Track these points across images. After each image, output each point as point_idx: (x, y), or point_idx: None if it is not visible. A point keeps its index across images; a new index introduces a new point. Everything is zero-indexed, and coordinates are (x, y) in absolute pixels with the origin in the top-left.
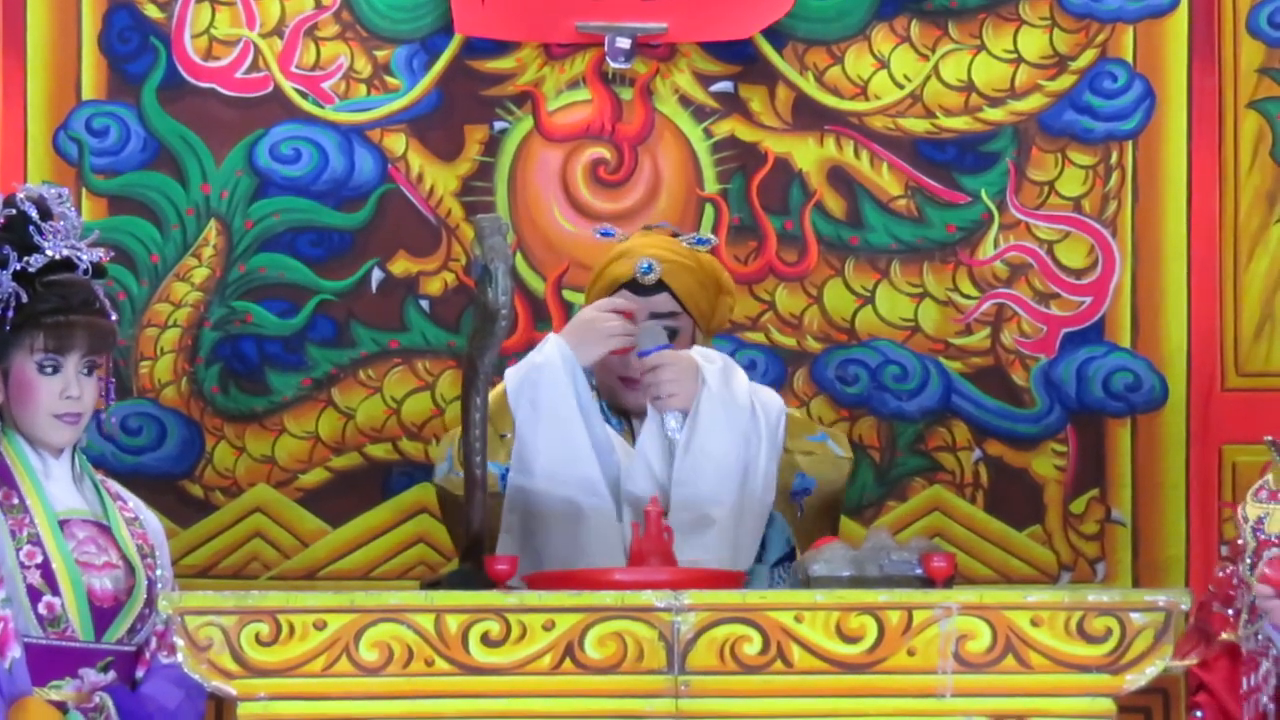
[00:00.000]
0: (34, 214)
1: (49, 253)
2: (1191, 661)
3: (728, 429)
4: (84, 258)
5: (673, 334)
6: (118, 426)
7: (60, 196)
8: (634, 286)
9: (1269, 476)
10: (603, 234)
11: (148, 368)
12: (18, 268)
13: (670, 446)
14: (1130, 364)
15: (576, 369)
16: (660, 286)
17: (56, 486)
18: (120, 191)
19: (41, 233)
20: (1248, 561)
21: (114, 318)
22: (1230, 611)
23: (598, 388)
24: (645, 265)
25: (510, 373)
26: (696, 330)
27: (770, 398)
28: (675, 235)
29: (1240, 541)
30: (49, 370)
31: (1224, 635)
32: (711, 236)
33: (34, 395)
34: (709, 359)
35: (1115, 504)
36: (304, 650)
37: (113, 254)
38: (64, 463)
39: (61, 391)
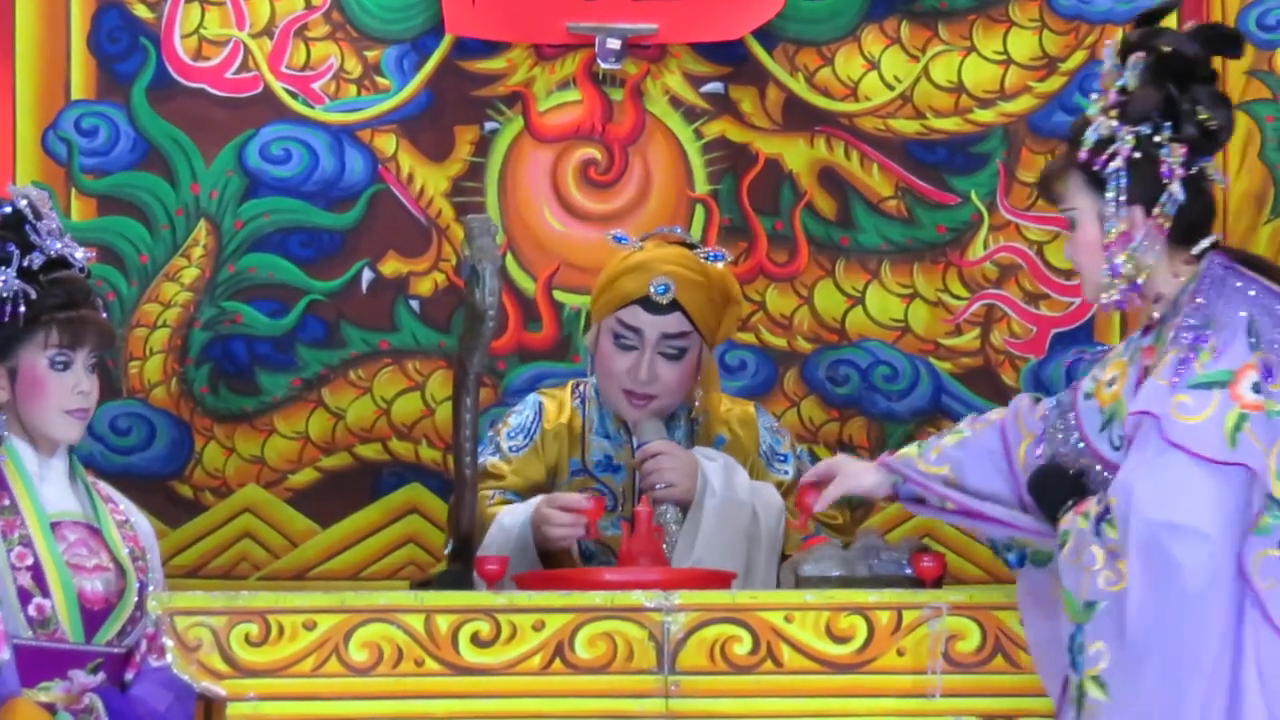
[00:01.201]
0: (29, 213)
1: (49, 251)
2: None
3: (730, 527)
4: (78, 256)
5: (681, 352)
6: (107, 427)
7: (44, 197)
8: (646, 304)
9: None
10: (617, 239)
11: (137, 368)
12: (23, 264)
13: (667, 537)
14: None
15: (528, 545)
16: (673, 305)
17: (50, 488)
18: (110, 192)
19: (37, 231)
20: None
21: (104, 317)
22: None
23: (601, 398)
24: (661, 286)
25: (497, 515)
26: (703, 345)
27: (771, 498)
28: (688, 245)
29: None
30: (60, 366)
31: None
32: (725, 252)
33: (46, 392)
34: (709, 456)
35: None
36: (294, 651)
37: (94, 254)
38: (59, 464)
39: (73, 387)
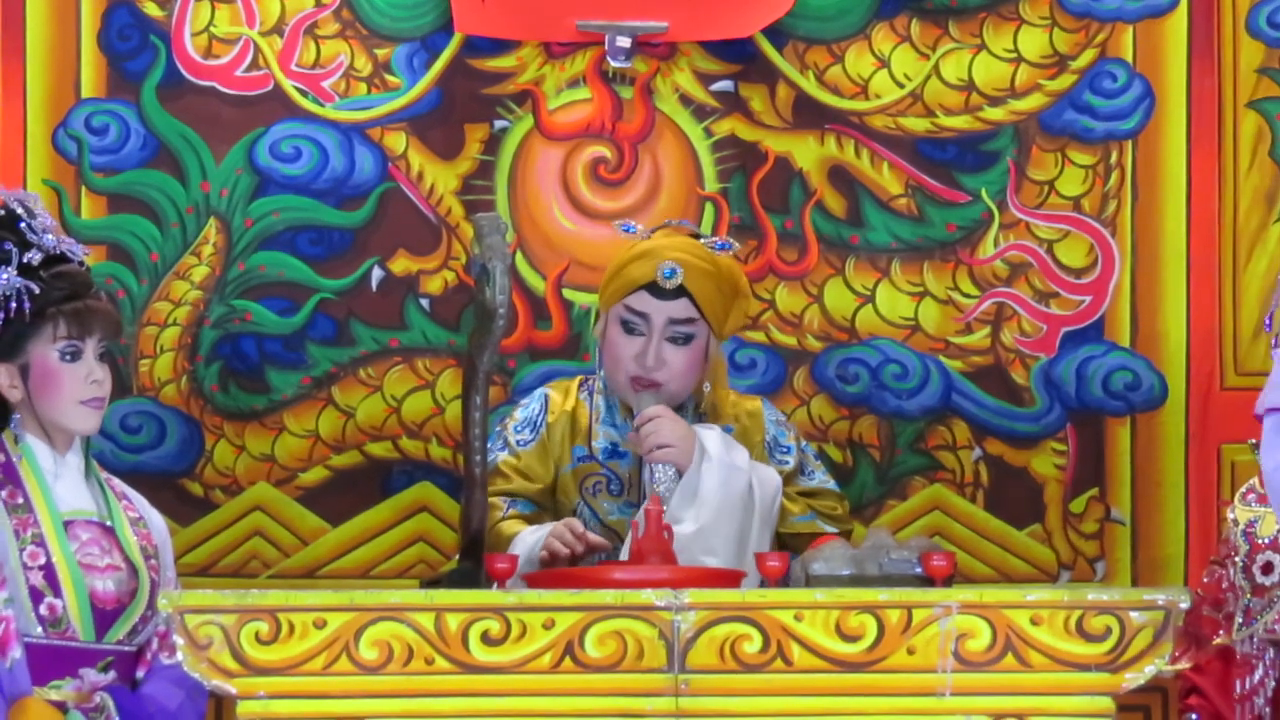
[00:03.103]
0: (22, 212)
1: (47, 247)
2: (1184, 665)
3: (726, 490)
4: (77, 252)
5: (688, 339)
6: (117, 425)
7: (35, 198)
8: (653, 289)
9: (1255, 480)
10: (625, 229)
11: (147, 366)
12: (23, 261)
13: (662, 495)
14: (1130, 363)
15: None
16: (680, 291)
17: (64, 486)
18: (120, 190)
19: (33, 229)
20: (1239, 564)
21: (109, 305)
22: (1221, 615)
23: (609, 387)
24: (669, 270)
25: (519, 534)
26: (710, 336)
27: (768, 475)
28: (696, 236)
29: (1232, 545)
30: (69, 357)
31: (1219, 638)
32: (733, 241)
33: (60, 384)
34: (707, 427)
35: (1114, 503)
36: (304, 649)
37: (91, 251)
38: (74, 460)
39: (86, 377)
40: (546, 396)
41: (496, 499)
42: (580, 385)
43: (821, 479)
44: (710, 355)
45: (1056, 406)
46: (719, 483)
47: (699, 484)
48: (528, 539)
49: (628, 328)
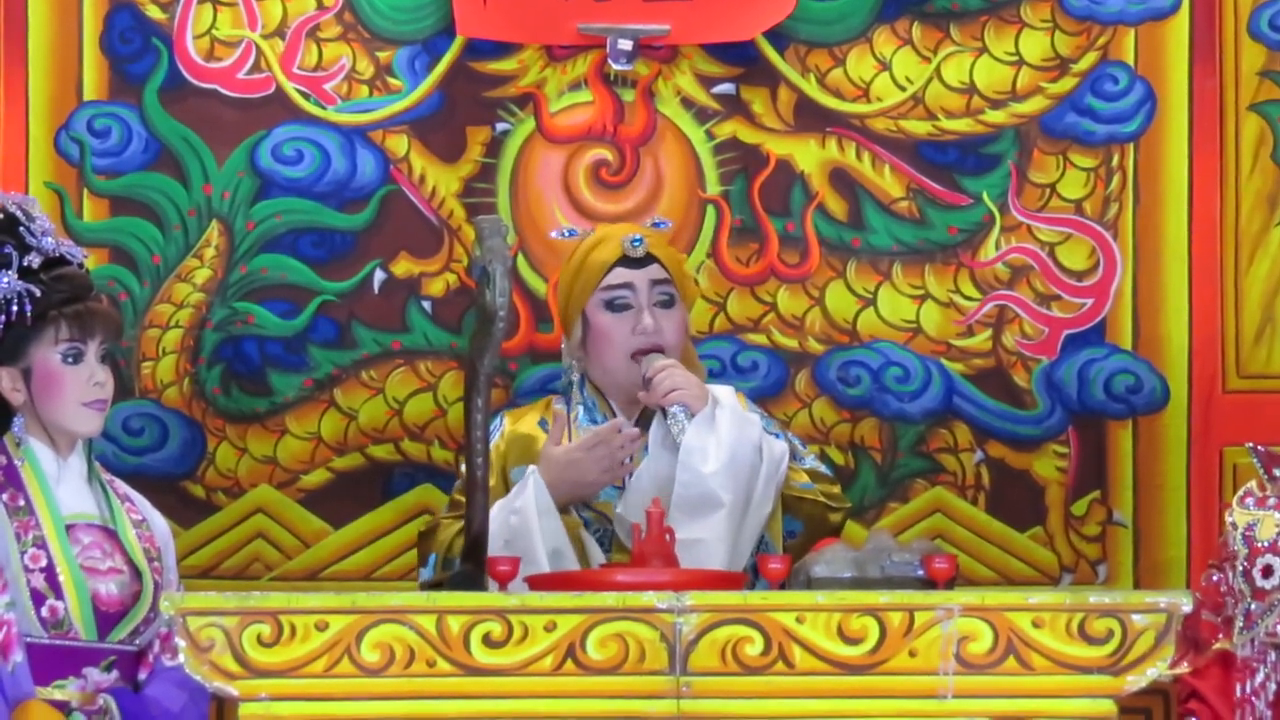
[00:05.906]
0: (20, 216)
1: (46, 250)
2: (1183, 670)
3: (741, 429)
4: (76, 254)
5: (671, 300)
6: (120, 427)
7: (33, 201)
8: (625, 262)
9: (1253, 483)
10: (568, 234)
11: (149, 368)
12: (23, 265)
13: (677, 435)
14: (1131, 366)
15: (553, 516)
16: (649, 259)
17: (66, 490)
18: (122, 192)
19: (32, 233)
20: (1239, 568)
21: (110, 307)
22: (1220, 619)
23: (604, 383)
24: (635, 238)
25: (494, 510)
26: (683, 310)
27: (775, 440)
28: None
29: (1231, 549)
30: (71, 359)
31: (1218, 643)
32: (668, 220)
33: (62, 386)
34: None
35: (1116, 506)
36: (306, 651)
37: (88, 254)
38: (77, 464)
39: (88, 379)
40: (502, 419)
41: (446, 519)
42: (553, 401)
43: (813, 463)
44: (687, 332)
45: (1058, 409)
46: (734, 423)
47: (715, 421)
48: (499, 513)
49: (613, 306)
